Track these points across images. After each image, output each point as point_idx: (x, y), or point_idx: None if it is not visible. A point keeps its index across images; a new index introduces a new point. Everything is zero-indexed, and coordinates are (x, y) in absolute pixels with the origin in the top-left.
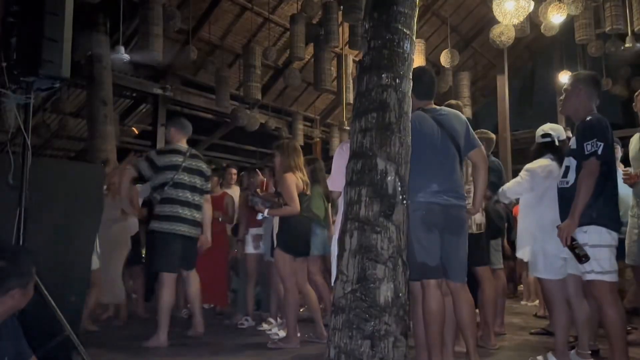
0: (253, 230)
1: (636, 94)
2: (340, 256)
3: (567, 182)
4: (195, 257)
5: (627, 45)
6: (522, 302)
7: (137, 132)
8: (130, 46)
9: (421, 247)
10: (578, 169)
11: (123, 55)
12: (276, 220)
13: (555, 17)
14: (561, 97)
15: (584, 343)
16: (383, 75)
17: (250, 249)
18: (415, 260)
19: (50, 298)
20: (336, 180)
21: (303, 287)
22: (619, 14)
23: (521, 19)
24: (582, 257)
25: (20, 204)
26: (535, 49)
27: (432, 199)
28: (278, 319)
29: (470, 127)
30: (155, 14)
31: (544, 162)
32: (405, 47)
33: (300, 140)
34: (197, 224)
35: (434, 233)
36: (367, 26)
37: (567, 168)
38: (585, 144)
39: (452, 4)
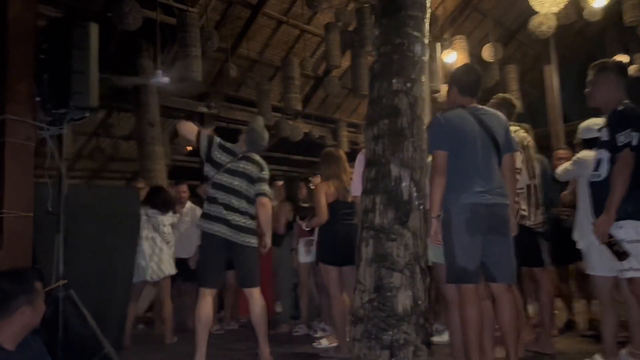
0: (303, 239)
1: None
2: (357, 265)
3: (599, 176)
4: (255, 273)
5: None
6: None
7: (189, 149)
8: (171, 69)
9: (463, 251)
10: (611, 161)
11: (162, 79)
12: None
13: (598, 2)
14: (587, 89)
15: (637, 342)
16: (393, 81)
17: (302, 258)
18: (454, 264)
19: (90, 317)
20: (357, 186)
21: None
22: None
23: (561, 6)
24: (621, 255)
25: (58, 229)
26: (588, 35)
27: (476, 199)
28: (327, 327)
29: (509, 130)
30: (192, 36)
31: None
32: (415, 51)
33: (345, 147)
34: (242, 230)
35: (477, 236)
36: (376, 33)
37: (599, 161)
38: (618, 135)
39: None
